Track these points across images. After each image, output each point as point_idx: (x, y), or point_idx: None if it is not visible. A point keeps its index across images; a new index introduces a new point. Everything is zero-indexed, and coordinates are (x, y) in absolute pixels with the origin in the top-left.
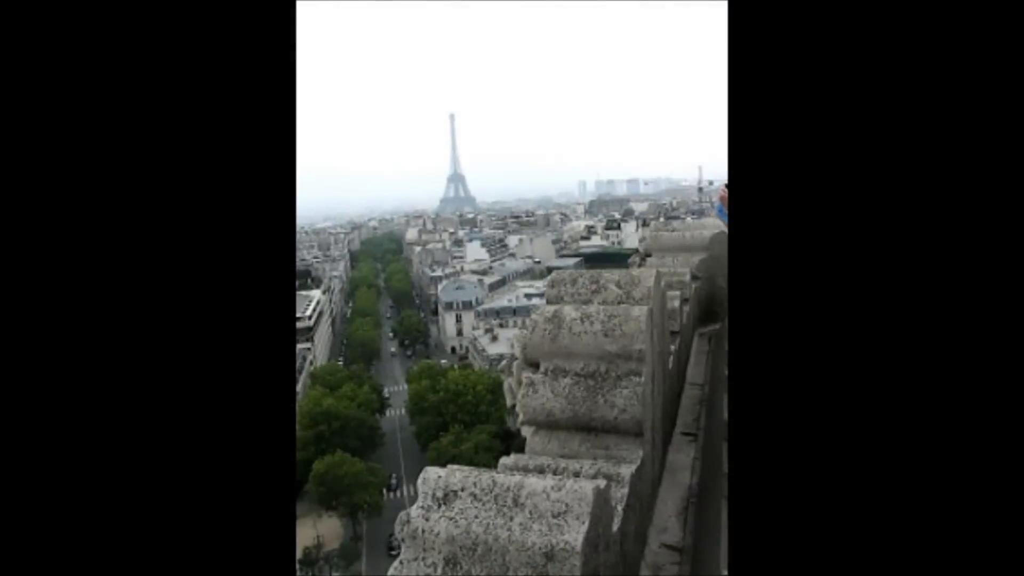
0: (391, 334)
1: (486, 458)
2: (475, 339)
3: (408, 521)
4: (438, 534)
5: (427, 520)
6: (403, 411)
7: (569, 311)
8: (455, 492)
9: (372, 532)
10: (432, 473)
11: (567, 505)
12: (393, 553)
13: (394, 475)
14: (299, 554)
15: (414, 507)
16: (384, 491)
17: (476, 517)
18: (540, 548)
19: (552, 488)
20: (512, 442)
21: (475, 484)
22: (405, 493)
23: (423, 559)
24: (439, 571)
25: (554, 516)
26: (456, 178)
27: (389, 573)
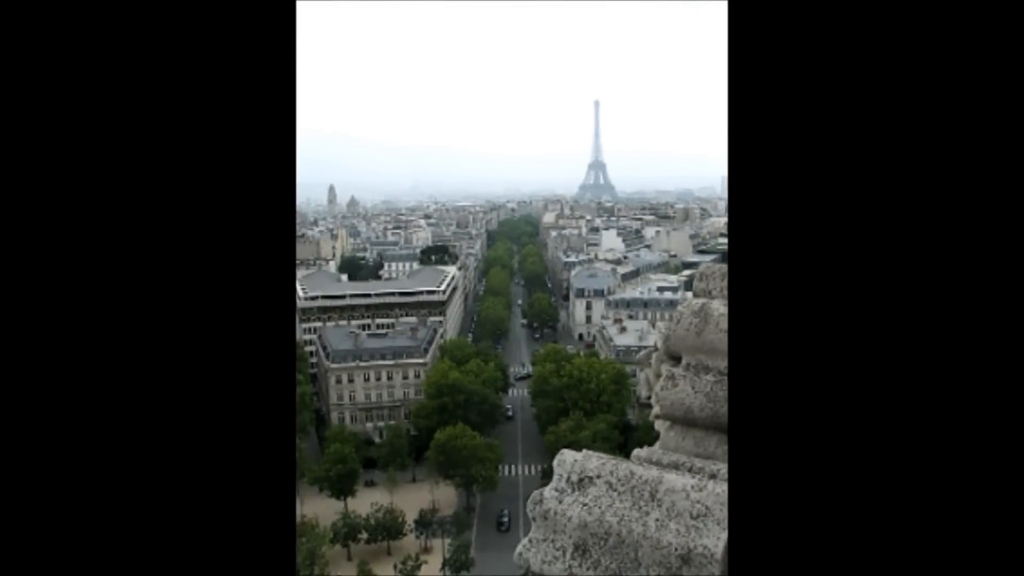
0: (521, 315)
1: (604, 448)
2: (603, 328)
3: (541, 501)
4: (570, 518)
5: (560, 503)
6: (525, 392)
7: (717, 306)
8: (591, 478)
9: (484, 505)
10: (568, 456)
11: (707, 508)
12: (503, 529)
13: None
14: (415, 515)
15: (548, 488)
16: (499, 467)
17: (610, 506)
18: (676, 549)
19: (692, 488)
20: (631, 435)
21: (612, 473)
22: (519, 472)
23: (552, 541)
24: (568, 556)
25: (693, 517)
26: (597, 165)
27: (517, 550)
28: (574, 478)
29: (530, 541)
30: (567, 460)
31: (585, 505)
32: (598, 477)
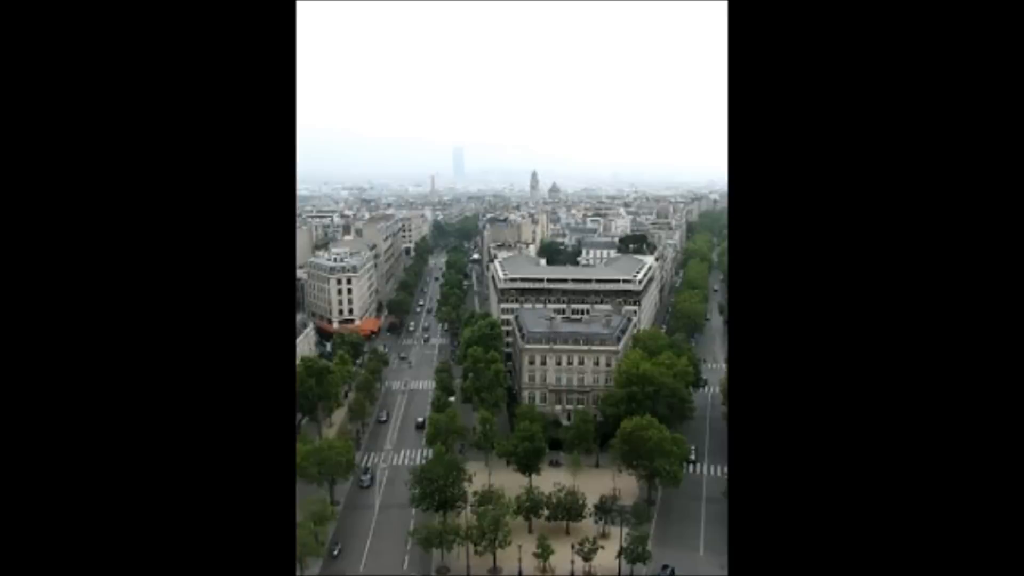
0: (718, 310)
1: None
2: None
3: None
4: None
5: None
6: (717, 390)
7: None
8: None
9: (666, 500)
10: None
11: None
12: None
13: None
14: (595, 500)
15: None
16: (683, 464)
17: None
18: None
19: None
20: None
21: None
22: (704, 471)
23: None
24: None
25: None
26: None
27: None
28: None
29: None
30: None
31: None
32: None
